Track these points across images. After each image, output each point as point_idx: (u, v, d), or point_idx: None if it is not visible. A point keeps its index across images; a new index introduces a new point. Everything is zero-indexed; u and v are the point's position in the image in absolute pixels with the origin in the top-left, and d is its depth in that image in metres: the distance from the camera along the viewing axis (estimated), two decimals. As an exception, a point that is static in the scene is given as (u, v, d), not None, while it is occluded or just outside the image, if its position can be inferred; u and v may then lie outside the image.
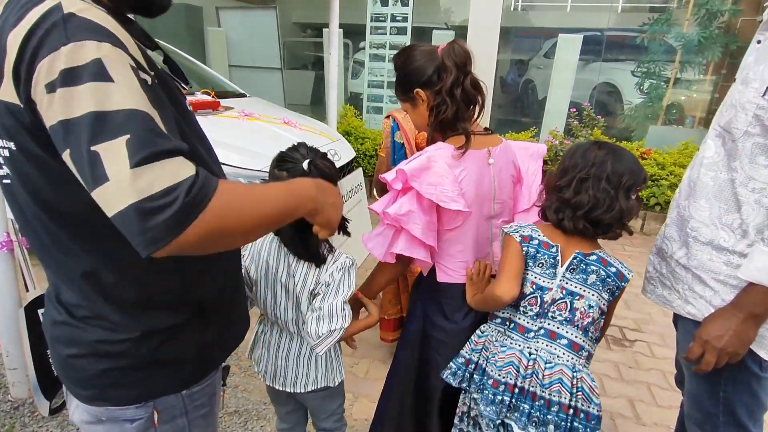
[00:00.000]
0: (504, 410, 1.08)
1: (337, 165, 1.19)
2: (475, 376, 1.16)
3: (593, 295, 1.09)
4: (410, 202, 1.09)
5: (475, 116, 1.17)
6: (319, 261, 1.13)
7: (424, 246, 1.13)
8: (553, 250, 1.10)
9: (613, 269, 1.11)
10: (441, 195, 1.07)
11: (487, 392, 1.10)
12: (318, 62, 7.63)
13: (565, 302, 1.09)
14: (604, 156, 1.07)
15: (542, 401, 1.06)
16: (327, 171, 1.09)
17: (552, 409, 1.05)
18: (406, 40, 5.36)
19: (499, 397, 1.08)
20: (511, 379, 1.08)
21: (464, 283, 1.22)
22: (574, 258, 1.09)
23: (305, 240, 1.09)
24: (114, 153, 0.55)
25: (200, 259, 0.72)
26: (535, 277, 1.10)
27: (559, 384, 1.05)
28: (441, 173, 1.08)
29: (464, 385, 1.18)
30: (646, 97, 5.28)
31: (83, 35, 0.56)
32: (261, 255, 1.19)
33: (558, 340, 1.08)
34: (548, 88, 5.16)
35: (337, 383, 1.29)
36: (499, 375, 1.09)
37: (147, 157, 0.55)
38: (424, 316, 1.29)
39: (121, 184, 0.54)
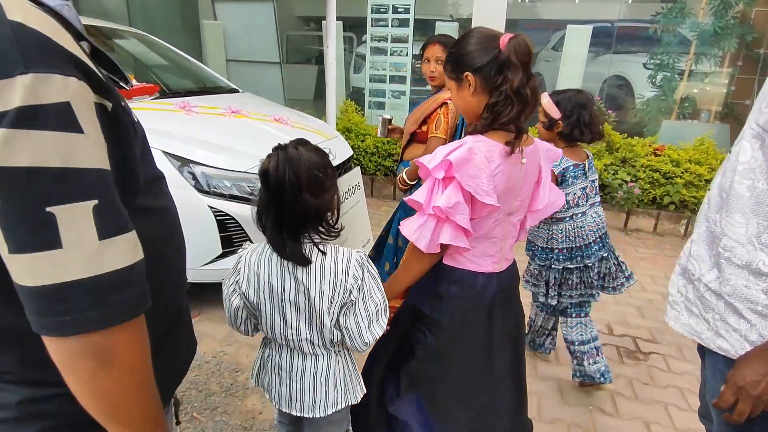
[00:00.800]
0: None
1: (333, 164, 1.11)
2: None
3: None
4: (456, 193, 1.11)
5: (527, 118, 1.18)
6: (306, 262, 1.06)
7: (466, 234, 1.17)
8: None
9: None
10: (478, 188, 1.10)
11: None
12: (321, 56, 7.46)
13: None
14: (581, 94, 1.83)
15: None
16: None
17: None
18: (408, 32, 5.17)
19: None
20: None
21: (470, 270, 1.26)
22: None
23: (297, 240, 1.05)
24: (76, 218, 0.50)
25: None
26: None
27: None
28: (480, 166, 1.10)
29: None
30: (659, 90, 5.05)
31: (44, 63, 0.48)
32: (260, 276, 1.08)
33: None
34: (557, 81, 4.96)
35: (358, 398, 1.22)
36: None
37: (115, 229, 0.53)
38: (419, 293, 1.35)
39: (83, 255, 0.50)
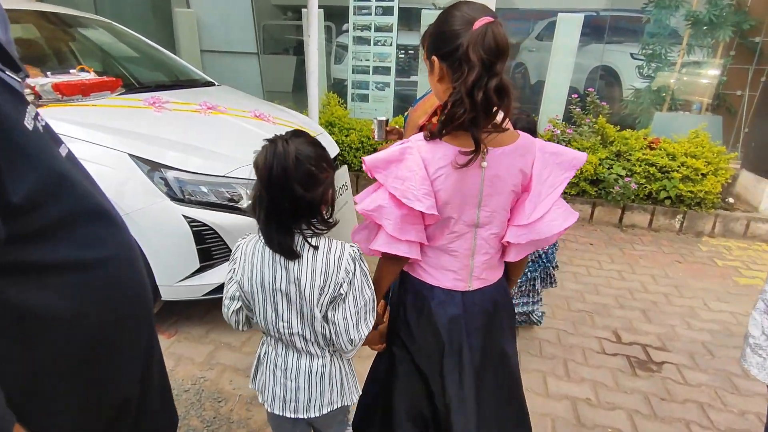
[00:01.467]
0: None
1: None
2: None
3: None
4: (381, 195, 1.04)
5: (499, 121, 1.01)
6: (294, 256, 1.04)
7: (404, 242, 1.07)
8: None
9: None
10: (406, 191, 1.00)
11: None
12: (300, 46, 7.11)
13: None
14: None
15: None
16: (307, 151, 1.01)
17: None
18: (393, 21, 4.93)
19: None
20: None
21: (425, 282, 1.17)
22: None
23: (286, 234, 1.03)
24: None
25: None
26: None
27: None
28: (412, 167, 1.00)
29: None
30: (648, 81, 4.94)
31: None
32: (254, 264, 1.08)
33: None
34: (541, 72, 4.79)
35: (354, 401, 1.21)
36: None
37: None
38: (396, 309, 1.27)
39: None
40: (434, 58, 1.01)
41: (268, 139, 1.01)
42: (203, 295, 2.11)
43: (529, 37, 6.76)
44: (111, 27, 3.30)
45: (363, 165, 1.03)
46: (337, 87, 5.84)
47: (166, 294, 2.08)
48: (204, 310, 2.44)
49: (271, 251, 1.05)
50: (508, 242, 1.12)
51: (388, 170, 1.01)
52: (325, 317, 1.09)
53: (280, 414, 1.16)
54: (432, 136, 0.99)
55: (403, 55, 5.51)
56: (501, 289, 1.22)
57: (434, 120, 1.92)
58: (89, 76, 1.65)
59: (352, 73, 5.24)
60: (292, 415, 1.15)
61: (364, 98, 5.25)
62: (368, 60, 5.16)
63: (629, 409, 1.95)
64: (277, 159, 0.97)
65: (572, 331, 2.48)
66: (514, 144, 1.04)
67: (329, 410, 1.16)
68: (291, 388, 1.15)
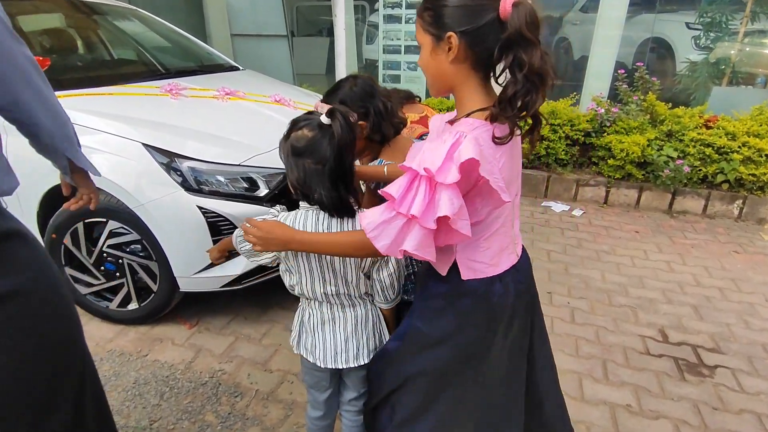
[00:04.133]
0: None
1: None
2: None
3: None
4: (457, 194, 0.87)
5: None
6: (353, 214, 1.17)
7: (445, 241, 0.95)
8: None
9: None
10: (495, 181, 0.90)
11: None
12: (332, 27, 7.02)
13: None
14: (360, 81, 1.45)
15: None
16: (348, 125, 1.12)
17: None
18: (424, -4, 4.70)
19: None
20: None
21: (490, 277, 1.06)
22: None
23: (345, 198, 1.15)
24: None
25: None
26: None
27: None
28: (490, 159, 0.90)
29: None
30: (706, 53, 4.51)
31: None
32: None
33: None
34: (586, 46, 4.45)
35: (386, 341, 1.29)
36: None
37: None
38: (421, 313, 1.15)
39: None
40: (452, 35, 0.89)
41: (331, 113, 1.11)
42: (221, 287, 2.07)
43: (572, 9, 6.34)
44: (138, 14, 3.28)
45: (433, 165, 0.87)
46: (369, 68, 5.69)
47: (184, 286, 2.05)
48: (225, 301, 2.41)
49: (316, 222, 1.15)
50: None
51: (487, 168, 0.89)
52: (367, 275, 1.22)
53: (332, 367, 1.26)
54: (496, 119, 0.89)
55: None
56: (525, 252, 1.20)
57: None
58: None
59: (383, 53, 5.07)
60: (343, 365, 1.25)
61: (396, 79, 5.08)
62: (399, 39, 4.97)
63: (676, 419, 1.76)
64: (347, 128, 1.11)
65: (613, 329, 2.29)
66: None
67: (373, 355, 1.28)
68: (341, 340, 1.25)
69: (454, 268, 1.05)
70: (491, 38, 0.87)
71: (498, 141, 0.89)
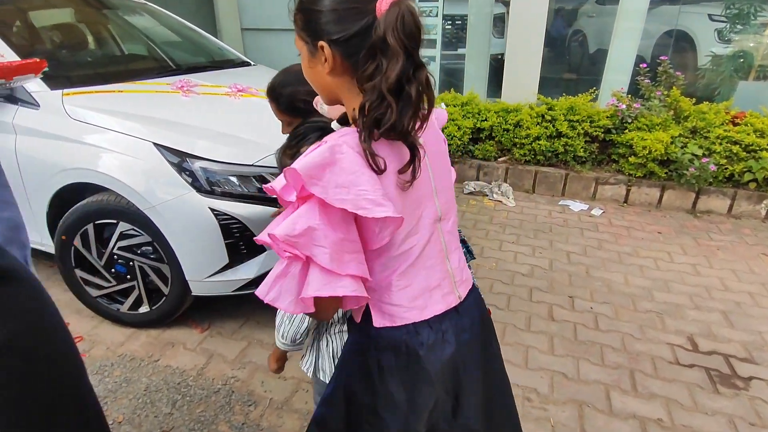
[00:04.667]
0: None
1: None
2: None
3: None
4: (309, 214, 0.74)
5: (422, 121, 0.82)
6: None
7: (346, 277, 0.77)
8: None
9: None
10: (359, 199, 0.74)
11: None
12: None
13: None
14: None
15: None
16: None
17: None
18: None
19: None
20: None
21: (413, 323, 0.88)
22: None
23: None
24: None
25: None
26: None
27: None
28: (352, 168, 0.75)
29: None
30: (731, 46, 4.35)
31: None
32: None
33: None
34: (602, 40, 4.32)
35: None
36: None
37: None
38: (351, 374, 0.94)
39: None
40: (323, 44, 0.77)
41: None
42: (234, 291, 2.01)
43: (588, 1, 6.18)
44: (148, 8, 3.22)
45: (282, 177, 0.75)
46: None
47: (196, 290, 1.99)
48: (237, 304, 2.35)
49: None
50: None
51: (325, 178, 0.73)
52: None
53: None
54: (365, 139, 0.76)
55: (449, 26, 5.16)
56: (476, 289, 1.02)
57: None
58: (3, 60, 1.43)
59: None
60: None
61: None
62: (436, 17, 4.85)
63: (710, 435, 1.68)
64: None
65: (639, 336, 2.20)
66: (436, 114, 0.92)
67: None
68: None
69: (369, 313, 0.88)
70: None
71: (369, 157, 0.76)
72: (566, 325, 2.25)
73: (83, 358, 2.02)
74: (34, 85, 2.01)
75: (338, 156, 0.75)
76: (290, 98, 1.34)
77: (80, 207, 1.99)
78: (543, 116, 3.82)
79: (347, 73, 0.79)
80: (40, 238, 2.20)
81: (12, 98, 2.01)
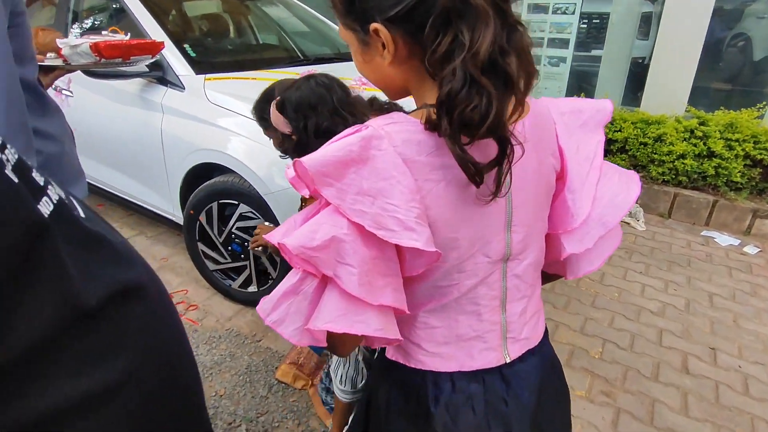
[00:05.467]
0: None
1: None
2: None
3: None
4: (334, 220, 0.57)
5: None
6: None
7: (374, 309, 0.58)
8: None
9: None
10: (383, 216, 0.56)
11: None
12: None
13: None
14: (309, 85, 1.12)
15: None
16: None
17: None
18: (579, -17, 4.22)
19: None
20: None
21: (431, 373, 0.71)
22: None
23: None
24: None
25: None
26: None
27: None
28: (387, 173, 0.56)
29: None
30: None
31: None
32: None
33: None
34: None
35: None
36: None
37: None
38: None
39: None
40: (376, 26, 0.57)
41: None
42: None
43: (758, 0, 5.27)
44: (285, 1, 3.36)
45: (292, 171, 0.59)
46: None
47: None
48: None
49: None
50: (568, 255, 0.74)
51: (345, 180, 0.56)
52: None
53: None
54: (435, 128, 0.56)
55: (586, 25, 4.73)
56: (548, 347, 0.80)
57: None
58: (125, 38, 1.46)
59: (523, 46, 4.67)
60: None
61: (533, 75, 4.66)
62: (543, 31, 4.53)
63: None
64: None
65: (804, 412, 1.78)
66: (533, 106, 0.67)
67: None
68: None
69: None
70: None
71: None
72: (705, 382, 1.90)
73: (195, 326, 2.16)
74: (182, 69, 2.17)
75: (372, 153, 0.56)
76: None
77: (208, 185, 2.11)
78: (692, 131, 3.32)
79: (416, 57, 0.58)
80: (173, 209, 2.39)
81: (163, 80, 2.20)
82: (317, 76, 1.16)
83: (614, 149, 3.55)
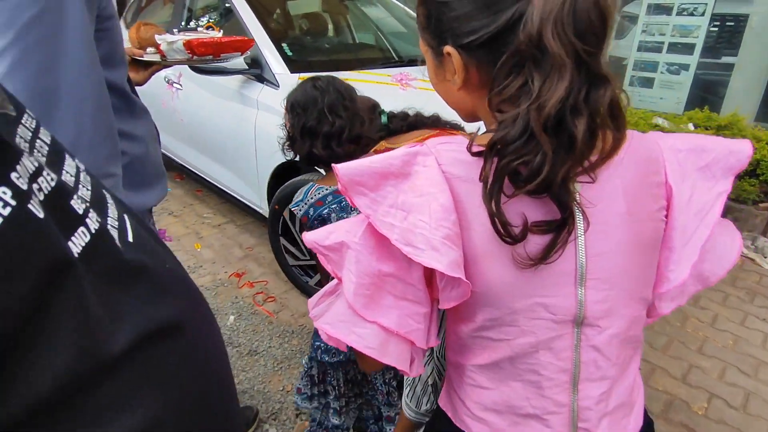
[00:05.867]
0: None
1: None
2: None
3: None
4: (354, 227, 0.56)
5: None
6: None
7: (378, 327, 0.55)
8: None
9: None
10: (412, 232, 0.51)
11: None
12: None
13: None
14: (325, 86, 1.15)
15: None
16: None
17: None
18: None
19: None
20: None
21: None
22: None
23: None
24: None
25: None
26: None
27: None
28: (426, 189, 0.52)
29: (342, 356, 1.26)
30: None
31: None
32: None
33: None
34: None
35: None
36: None
37: None
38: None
39: None
40: (449, 50, 0.54)
41: None
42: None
43: None
44: (383, 1, 3.36)
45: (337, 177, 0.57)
46: (613, 67, 4.90)
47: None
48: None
49: None
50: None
51: (381, 191, 0.54)
52: None
53: None
54: (491, 194, 0.50)
55: (716, 28, 4.18)
56: None
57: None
58: (218, 35, 1.46)
59: (638, 50, 4.25)
60: None
61: (648, 83, 4.23)
62: (664, 34, 4.08)
63: None
64: None
65: None
66: (630, 148, 0.56)
67: None
68: None
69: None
70: None
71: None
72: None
73: (271, 318, 2.22)
74: (278, 68, 2.23)
75: (416, 169, 0.54)
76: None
77: (293, 182, 2.15)
78: None
79: (486, 88, 0.54)
80: (260, 202, 2.48)
81: (260, 78, 2.27)
82: (319, 78, 1.20)
83: (742, 172, 3.09)
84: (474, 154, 0.52)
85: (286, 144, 1.24)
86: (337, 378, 1.34)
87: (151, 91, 2.84)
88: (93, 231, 0.31)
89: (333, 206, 1.18)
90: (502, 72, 0.50)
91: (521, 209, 0.51)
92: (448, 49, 0.54)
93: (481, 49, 0.52)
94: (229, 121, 2.46)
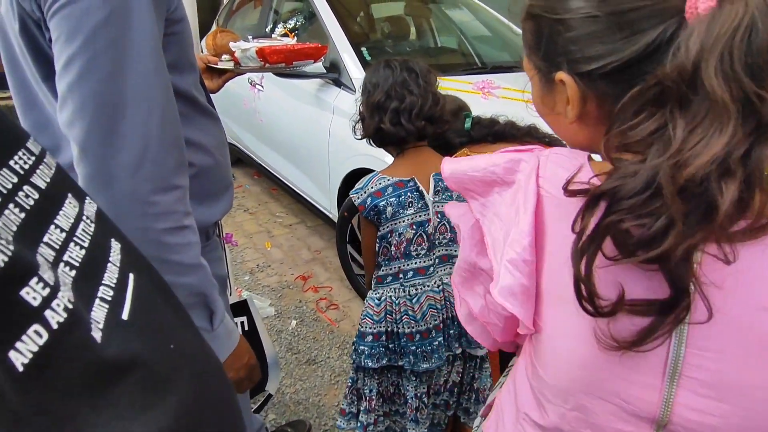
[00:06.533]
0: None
1: None
2: (391, 345, 1.21)
3: None
4: (469, 212, 0.57)
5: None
6: None
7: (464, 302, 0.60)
8: (411, 183, 1.15)
9: None
10: (496, 242, 0.51)
11: (418, 349, 1.18)
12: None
13: (444, 225, 1.18)
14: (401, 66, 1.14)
15: None
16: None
17: None
18: None
19: (436, 343, 1.18)
20: (436, 319, 1.19)
21: None
22: (434, 181, 1.16)
23: None
24: None
25: None
26: (412, 218, 1.15)
27: None
28: (515, 201, 0.49)
29: (385, 361, 1.22)
30: None
31: None
32: None
33: (452, 260, 1.18)
34: None
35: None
36: (423, 324, 1.18)
37: None
38: None
39: None
40: (562, 76, 0.44)
41: None
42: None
43: None
44: (468, 2, 3.22)
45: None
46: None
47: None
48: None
49: None
50: None
51: (489, 198, 0.53)
52: None
53: None
54: (583, 260, 0.40)
55: None
56: None
57: None
58: (291, 42, 1.42)
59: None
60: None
61: None
62: None
63: None
64: None
65: None
66: None
67: None
68: None
69: None
70: None
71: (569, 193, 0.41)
72: None
73: (333, 327, 2.17)
74: (356, 73, 2.18)
75: (518, 176, 0.49)
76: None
77: (364, 191, 2.09)
78: None
79: (606, 124, 0.43)
80: (330, 206, 2.46)
81: (338, 82, 2.24)
82: (395, 60, 1.19)
83: None
84: (569, 194, 0.41)
85: (357, 124, 1.23)
86: (370, 388, 1.28)
87: (235, 92, 2.94)
88: (54, 327, 0.23)
89: (391, 200, 1.16)
90: (630, 108, 0.39)
91: (617, 278, 0.39)
92: (561, 76, 0.45)
93: (606, 79, 0.42)
94: (304, 124, 2.47)
